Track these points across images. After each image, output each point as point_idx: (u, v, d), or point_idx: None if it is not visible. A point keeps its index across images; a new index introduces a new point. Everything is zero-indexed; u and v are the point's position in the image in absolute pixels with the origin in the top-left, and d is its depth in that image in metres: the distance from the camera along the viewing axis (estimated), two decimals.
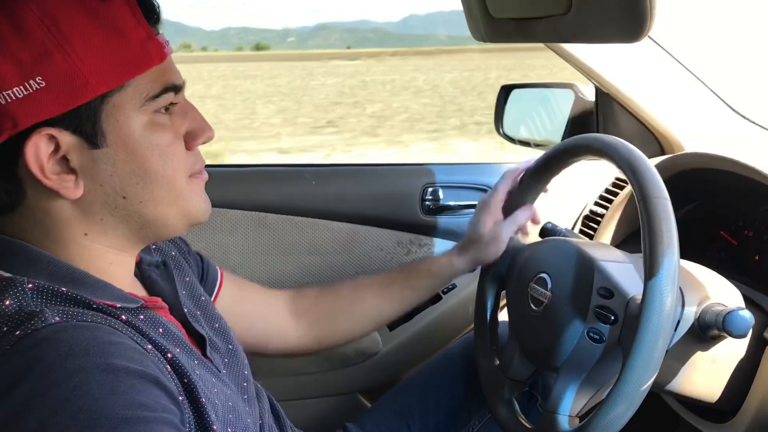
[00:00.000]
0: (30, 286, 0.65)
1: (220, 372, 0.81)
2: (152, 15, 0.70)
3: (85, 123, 0.66)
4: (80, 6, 0.64)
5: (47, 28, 0.63)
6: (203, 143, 0.77)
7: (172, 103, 0.73)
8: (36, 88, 0.63)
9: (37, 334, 0.60)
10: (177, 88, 0.72)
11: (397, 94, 20.12)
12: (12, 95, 0.63)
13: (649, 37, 1.24)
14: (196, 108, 0.77)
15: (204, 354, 0.80)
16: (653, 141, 1.44)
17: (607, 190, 1.45)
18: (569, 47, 1.34)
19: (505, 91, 1.71)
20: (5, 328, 0.61)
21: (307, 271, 1.57)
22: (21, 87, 0.63)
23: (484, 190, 1.59)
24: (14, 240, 0.70)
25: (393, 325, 1.59)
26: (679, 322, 0.92)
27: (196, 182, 0.77)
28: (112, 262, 0.74)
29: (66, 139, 0.66)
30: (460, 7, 1.00)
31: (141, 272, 0.83)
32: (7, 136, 0.64)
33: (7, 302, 0.63)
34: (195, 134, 0.75)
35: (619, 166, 0.92)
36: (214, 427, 0.70)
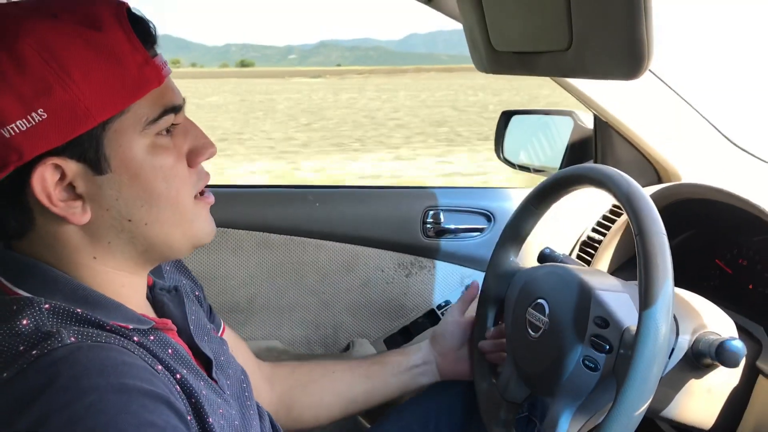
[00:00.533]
0: (47, 306, 0.67)
1: (224, 393, 0.82)
2: (148, 38, 0.71)
3: (89, 150, 0.68)
4: (77, 37, 0.66)
5: (45, 61, 0.64)
6: (206, 159, 0.78)
7: (173, 124, 0.74)
8: (38, 120, 0.64)
9: (53, 353, 0.61)
10: (177, 109, 0.73)
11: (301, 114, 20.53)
12: (15, 128, 0.64)
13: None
14: (197, 125, 0.78)
15: (210, 375, 0.82)
16: (651, 169, 1.47)
17: (605, 217, 1.47)
18: (570, 78, 1.37)
19: (506, 117, 1.74)
20: (22, 348, 0.62)
21: (310, 290, 1.59)
22: (24, 120, 0.64)
23: (484, 214, 1.61)
24: (33, 260, 0.71)
25: (392, 346, 1.61)
26: (673, 350, 0.94)
27: (202, 205, 0.78)
28: (123, 285, 0.76)
29: (71, 167, 0.68)
30: (461, 26, 1.02)
31: (153, 296, 0.85)
32: (13, 167, 0.65)
33: (24, 322, 0.65)
34: (197, 152, 0.76)
35: (617, 198, 0.94)
36: None
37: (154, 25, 0.73)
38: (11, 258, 0.72)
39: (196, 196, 0.77)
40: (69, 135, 0.66)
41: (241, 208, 1.54)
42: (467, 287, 1.62)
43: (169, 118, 0.72)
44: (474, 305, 1.20)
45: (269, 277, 1.56)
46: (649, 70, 1.29)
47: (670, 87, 1.32)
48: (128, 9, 0.70)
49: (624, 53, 0.70)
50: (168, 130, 0.73)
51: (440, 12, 1.30)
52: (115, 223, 0.72)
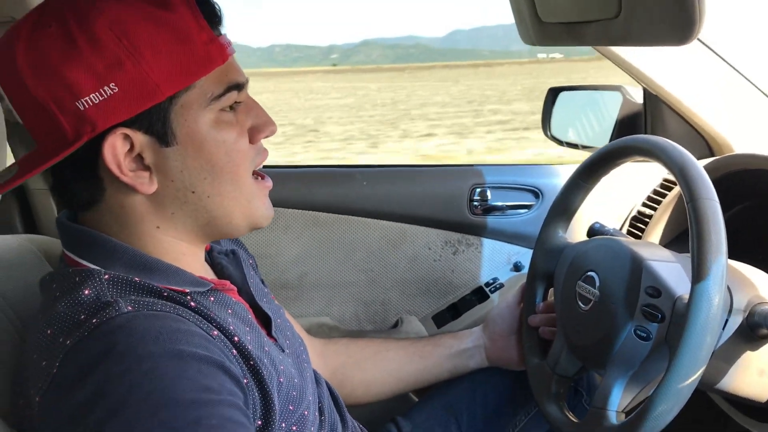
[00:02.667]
0: (106, 277, 0.70)
1: (283, 351, 0.85)
2: (214, 18, 0.73)
3: (156, 123, 0.71)
4: (147, 16, 0.69)
5: (117, 38, 0.67)
6: (267, 137, 0.80)
7: (236, 102, 0.76)
8: (110, 93, 0.67)
9: (111, 322, 0.65)
10: (240, 87, 0.76)
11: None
12: (89, 101, 0.67)
13: (697, 38, 1.24)
14: (258, 104, 0.80)
15: (269, 334, 0.85)
16: (702, 142, 1.44)
17: (655, 191, 1.46)
18: (618, 50, 1.35)
19: (553, 94, 1.72)
20: (83, 316, 0.66)
21: (358, 267, 1.61)
22: (97, 93, 0.67)
23: (532, 191, 1.60)
24: (94, 232, 0.75)
25: (441, 323, 1.62)
26: (727, 321, 0.93)
27: (260, 187, 0.81)
28: (184, 253, 0.79)
29: (139, 138, 0.71)
30: (504, 21, 1.02)
31: (211, 259, 0.88)
32: (87, 138, 0.69)
33: (86, 292, 0.68)
34: (259, 129, 0.79)
35: (668, 167, 0.93)
36: (277, 405, 0.74)
37: (219, 6, 0.75)
38: (74, 230, 0.76)
39: (255, 177, 0.80)
40: (138, 108, 0.69)
41: (292, 188, 1.57)
42: (516, 264, 1.62)
43: (233, 95, 0.75)
44: None
45: (319, 254, 1.59)
46: (699, 40, 1.27)
47: (720, 56, 1.29)
48: None
49: (674, 18, 0.69)
50: (231, 107, 0.76)
51: None
52: (179, 194, 0.75)
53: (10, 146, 1.32)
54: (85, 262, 0.74)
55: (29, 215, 1.56)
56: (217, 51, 0.72)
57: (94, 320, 0.65)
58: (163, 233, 0.77)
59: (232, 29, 0.76)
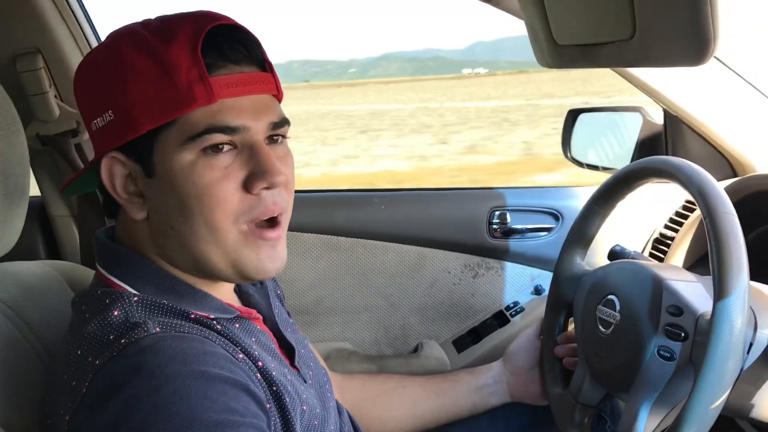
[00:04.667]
0: (135, 298, 0.72)
1: (306, 382, 0.85)
2: (230, 57, 0.72)
3: (143, 153, 0.73)
4: (145, 47, 0.70)
5: (116, 65, 0.70)
6: (266, 188, 0.73)
7: (228, 143, 0.72)
8: (108, 120, 0.72)
9: (140, 342, 0.66)
10: (230, 130, 0.71)
11: None
12: (97, 124, 0.73)
13: (715, 57, 1.23)
14: (268, 152, 0.73)
15: (292, 364, 0.85)
16: (724, 163, 1.42)
17: (677, 213, 1.44)
18: (635, 71, 1.34)
19: (572, 115, 1.71)
20: (112, 337, 0.67)
21: (377, 292, 1.60)
22: (100, 118, 0.73)
23: (552, 213, 1.59)
24: (128, 251, 0.77)
25: (461, 348, 1.61)
26: (751, 345, 0.91)
27: (252, 238, 0.74)
28: (205, 282, 0.79)
29: (131, 165, 0.74)
30: (525, 31, 1.02)
31: (239, 287, 0.88)
32: (95, 160, 0.74)
33: (116, 313, 0.70)
34: (256, 177, 0.72)
35: (685, 187, 0.92)
36: None
37: (250, 48, 0.74)
38: (109, 247, 0.78)
39: (249, 225, 0.74)
40: (123, 138, 0.72)
41: (310, 212, 1.57)
42: (537, 288, 1.61)
43: (215, 137, 0.71)
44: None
45: (337, 279, 1.59)
46: (717, 58, 1.26)
47: (739, 75, 1.28)
48: (225, 26, 0.72)
49: (689, 38, 0.69)
50: (219, 149, 0.71)
51: (501, 9, 1.30)
52: (163, 228, 0.75)
53: (33, 173, 1.35)
54: (116, 280, 0.75)
55: (52, 242, 1.58)
56: (203, 90, 0.69)
57: (123, 340, 0.66)
58: (165, 260, 0.77)
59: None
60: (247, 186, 0.72)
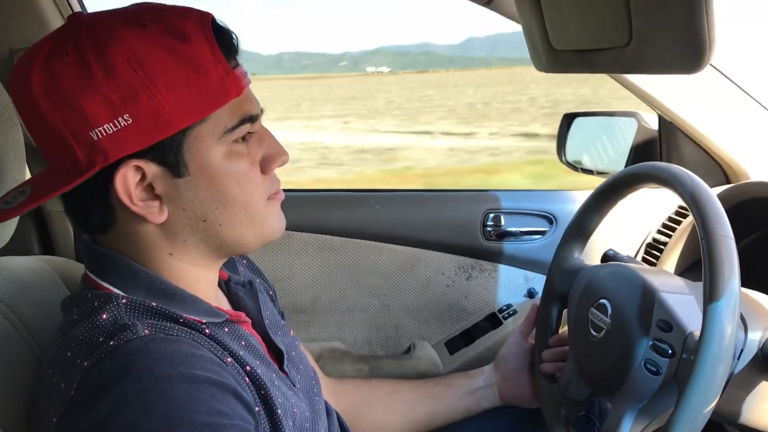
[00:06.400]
0: (124, 301, 0.71)
1: (294, 386, 0.85)
2: (230, 49, 0.73)
3: (169, 154, 0.71)
4: (164, 48, 0.69)
5: (133, 69, 0.67)
6: (278, 167, 0.80)
7: (249, 132, 0.76)
8: (124, 125, 0.67)
9: (129, 344, 0.66)
10: (254, 118, 0.76)
11: None
12: (103, 132, 0.67)
13: (711, 65, 1.24)
14: (271, 134, 0.80)
15: (281, 367, 0.85)
16: (718, 169, 1.43)
17: (670, 218, 1.45)
18: (631, 77, 1.35)
19: (568, 119, 1.72)
20: (101, 339, 0.67)
21: (371, 292, 1.61)
22: (110, 124, 0.67)
23: (546, 217, 1.60)
24: (118, 256, 0.76)
25: (454, 349, 1.61)
26: (742, 350, 0.91)
27: (273, 203, 0.81)
28: (198, 279, 0.79)
29: (151, 169, 0.71)
30: (520, 28, 1.03)
31: (228, 289, 0.89)
32: (98, 168, 0.69)
33: (104, 316, 0.70)
34: (270, 159, 0.79)
35: (682, 197, 0.92)
36: None
37: (236, 36, 0.75)
38: (96, 252, 0.77)
39: (268, 197, 0.80)
40: (151, 140, 0.69)
41: (305, 212, 1.57)
42: (530, 290, 1.61)
43: (246, 127, 0.75)
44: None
45: (331, 279, 1.59)
46: (712, 66, 1.27)
47: (734, 82, 1.29)
48: (213, 20, 0.73)
49: (684, 46, 0.69)
50: (244, 138, 0.76)
51: (498, 13, 1.31)
52: (191, 223, 0.75)
53: (29, 167, 1.35)
54: (106, 285, 0.75)
55: (46, 237, 1.57)
56: (233, 83, 0.72)
57: (111, 342, 0.66)
58: (176, 260, 0.77)
59: (242, 37, 0.76)
60: (263, 168, 0.78)
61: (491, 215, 1.59)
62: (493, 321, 1.63)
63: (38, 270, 0.92)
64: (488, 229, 1.59)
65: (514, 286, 1.63)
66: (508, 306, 1.62)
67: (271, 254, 1.56)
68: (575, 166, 1.71)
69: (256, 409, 0.71)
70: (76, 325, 0.70)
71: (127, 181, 0.70)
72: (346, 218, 1.59)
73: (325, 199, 1.66)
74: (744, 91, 1.30)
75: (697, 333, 0.85)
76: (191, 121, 0.70)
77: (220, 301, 0.85)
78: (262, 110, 0.79)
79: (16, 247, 0.89)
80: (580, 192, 1.62)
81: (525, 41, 1.02)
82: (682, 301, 0.92)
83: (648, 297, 0.94)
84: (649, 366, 0.89)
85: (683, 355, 0.86)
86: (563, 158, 1.72)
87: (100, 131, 0.67)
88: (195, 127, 0.71)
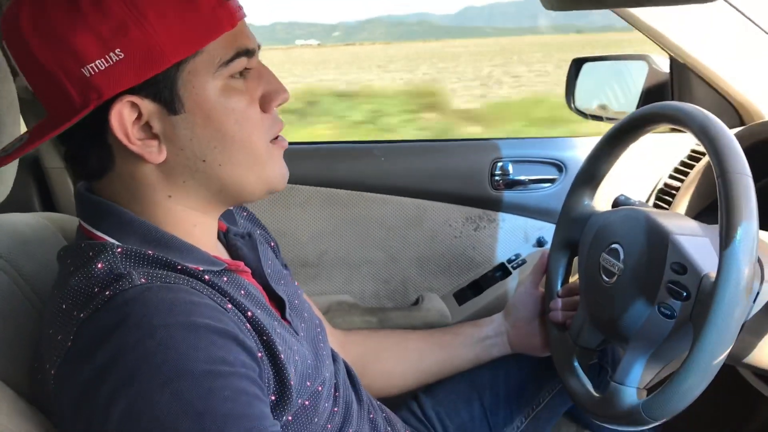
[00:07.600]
0: (119, 250, 0.70)
1: (298, 334, 0.84)
2: None
3: (163, 90, 0.69)
4: None
5: (123, 2, 0.65)
6: (279, 105, 0.78)
7: (246, 68, 0.74)
8: (116, 60, 0.65)
9: (125, 294, 0.64)
10: (250, 53, 0.73)
11: None
12: (95, 68, 0.65)
13: None
14: (270, 71, 0.77)
15: (283, 316, 0.84)
16: (732, 111, 1.40)
17: (683, 163, 1.42)
18: (643, 16, 1.31)
19: (577, 65, 1.68)
20: (96, 289, 0.66)
21: (377, 245, 1.59)
22: (102, 60, 0.65)
23: (555, 164, 1.57)
24: (110, 203, 0.74)
25: (462, 300, 1.61)
26: (758, 294, 0.90)
27: (276, 148, 0.78)
28: (195, 224, 0.77)
29: (147, 106, 0.69)
30: None
31: (227, 240, 0.87)
32: (93, 106, 0.67)
33: (99, 265, 0.68)
34: (270, 97, 0.76)
35: (698, 137, 0.89)
36: (292, 382, 0.73)
37: None
38: (91, 201, 0.75)
39: (271, 141, 0.78)
40: (144, 75, 0.67)
41: (309, 165, 1.55)
42: (539, 240, 1.60)
43: (242, 62, 0.72)
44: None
45: (337, 232, 1.58)
46: (727, 1, 1.22)
47: (750, 18, 1.24)
48: None
49: None
50: (241, 74, 0.74)
51: None
52: (190, 163, 0.73)
53: (24, 122, 1.32)
54: (99, 234, 0.73)
55: (47, 194, 1.56)
56: (226, 15, 0.69)
57: (107, 293, 0.64)
58: (174, 202, 0.75)
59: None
60: (263, 106, 0.76)
61: (499, 164, 1.56)
62: (502, 271, 1.61)
63: (39, 226, 0.91)
64: (496, 178, 1.57)
65: (523, 236, 1.62)
66: (517, 256, 1.61)
67: (275, 208, 1.54)
68: (585, 113, 1.68)
69: (259, 354, 0.70)
70: (71, 276, 0.69)
71: (123, 118, 0.69)
72: (350, 170, 1.56)
73: (330, 151, 1.63)
74: (760, 27, 1.26)
75: (713, 275, 0.83)
76: (184, 54, 0.68)
77: (219, 252, 0.83)
78: (259, 46, 0.76)
79: (16, 205, 0.88)
80: (590, 138, 1.59)
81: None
82: (696, 243, 0.90)
83: (661, 240, 0.92)
84: (663, 309, 0.88)
85: (698, 298, 0.84)
86: (572, 105, 1.69)
87: (91, 67, 0.66)
88: (189, 60, 0.69)
